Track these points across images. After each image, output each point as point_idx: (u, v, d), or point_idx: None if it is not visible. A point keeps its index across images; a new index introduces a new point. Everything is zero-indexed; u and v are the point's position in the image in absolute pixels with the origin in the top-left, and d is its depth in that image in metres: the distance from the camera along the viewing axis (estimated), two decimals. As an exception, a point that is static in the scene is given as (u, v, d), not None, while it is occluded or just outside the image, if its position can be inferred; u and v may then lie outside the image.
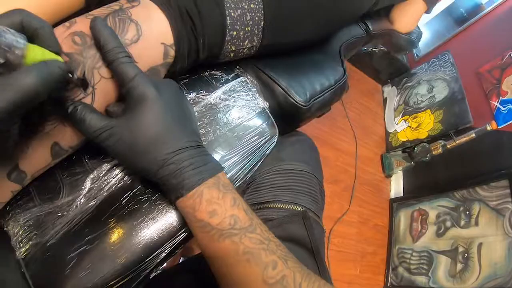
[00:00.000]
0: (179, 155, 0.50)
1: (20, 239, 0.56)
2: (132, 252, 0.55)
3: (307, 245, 0.71)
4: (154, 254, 0.57)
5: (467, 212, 2.11)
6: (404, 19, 1.27)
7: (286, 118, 0.80)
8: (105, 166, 0.59)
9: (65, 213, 0.56)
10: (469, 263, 1.97)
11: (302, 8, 0.72)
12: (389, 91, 3.17)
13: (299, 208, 0.75)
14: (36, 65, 0.40)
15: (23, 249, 0.55)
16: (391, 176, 2.74)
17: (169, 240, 0.58)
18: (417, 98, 2.87)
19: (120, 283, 0.54)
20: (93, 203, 0.58)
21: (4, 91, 0.37)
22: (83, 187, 0.58)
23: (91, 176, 0.59)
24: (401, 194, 2.65)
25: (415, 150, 2.58)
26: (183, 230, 0.58)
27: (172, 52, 0.58)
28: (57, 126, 0.51)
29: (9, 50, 0.38)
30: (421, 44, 1.44)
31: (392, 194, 2.70)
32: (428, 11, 1.26)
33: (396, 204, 2.59)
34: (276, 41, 0.73)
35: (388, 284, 2.33)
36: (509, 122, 2.18)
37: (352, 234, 2.37)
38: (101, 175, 0.59)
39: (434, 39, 3.09)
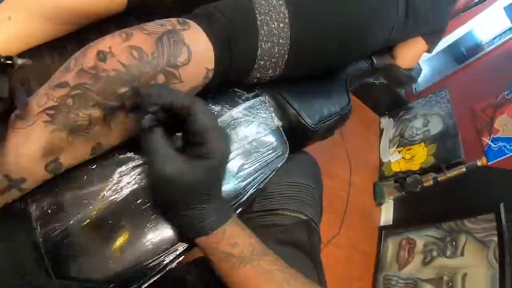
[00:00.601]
0: (207, 203, 0.57)
1: (42, 221, 0.58)
2: (153, 244, 0.60)
3: (306, 249, 0.78)
4: (167, 252, 0.61)
5: (454, 243, 2.16)
6: (405, 56, 1.33)
7: (296, 137, 0.86)
8: (133, 162, 0.64)
9: (92, 201, 0.60)
10: (453, 292, 2.01)
11: (323, 48, 0.80)
12: (386, 122, 3.26)
13: (304, 217, 0.83)
14: None
15: (43, 231, 0.57)
16: (382, 204, 2.79)
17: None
18: (412, 131, 2.96)
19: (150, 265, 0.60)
20: (118, 195, 0.61)
21: None
22: (110, 179, 0.62)
23: (119, 169, 0.63)
24: (391, 223, 2.70)
25: (407, 181, 2.65)
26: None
27: (210, 75, 0.64)
28: (104, 127, 0.57)
29: None
30: (420, 79, 1.52)
31: (382, 222, 2.74)
32: (428, 51, 1.34)
33: (385, 231, 2.63)
34: (294, 72, 0.81)
35: (373, 309, 2.35)
36: (498, 159, 2.27)
37: (340, 258, 2.40)
38: (129, 169, 0.63)
39: (433, 75, 3.21)
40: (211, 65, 0.63)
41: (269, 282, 0.56)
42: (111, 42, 0.55)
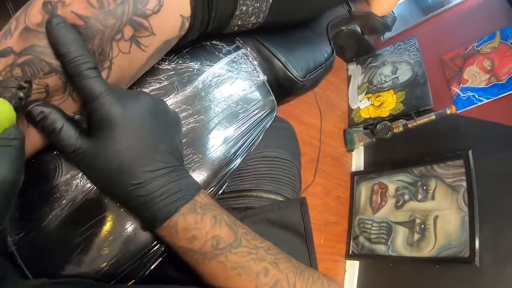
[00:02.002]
0: (147, 185, 0.46)
1: (11, 228, 0.50)
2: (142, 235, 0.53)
3: (301, 232, 0.73)
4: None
5: (424, 187, 2.28)
6: (381, 3, 1.32)
7: (282, 92, 0.80)
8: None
9: (64, 194, 0.51)
10: (426, 233, 2.14)
11: None
12: (354, 69, 3.26)
13: (281, 198, 0.75)
14: None
15: (15, 239, 0.49)
16: (353, 150, 2.86)
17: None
18: (381, 78, 2.99)
19: (136, 264, 0.53)
20: None
21: None
22: None
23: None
24: (362, 168, 2.79)
25: (377, 127, 2.71)
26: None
27: (186, 25, 0.54)
28: (66, 98, 0.47)
29: None
30: None
31: (354, 168, 2.83)
32: None
33: (357, 177, 2.72)
34: (278, 19, 0.73)
35: (350, 252, 2.48)
36: (467, 108, 2.36)
37: (317, 205, 2.47)
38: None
39: (400, 23, 3.21)
40: (187, 13, 0.53)
41: (242, 276, 0.50)
42: None
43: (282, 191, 0.76)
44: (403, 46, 2.99)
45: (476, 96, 2.35)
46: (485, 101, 2.31)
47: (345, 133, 2.91)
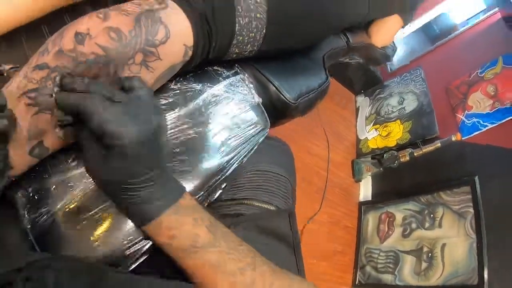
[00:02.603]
0: (137, 191, 0.54)
1: (29, 207, 0.58)
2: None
3: (289, 242, 0.77)
4: None
5: (432, 215, 2.25)
6: (381, 34, 1.37)
7: (276, 113, 0.88)
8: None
9: (77, 183, 0.60)
10: (433, 262, 2.10)
11: (299, 21, 0.82)
12: (362, 100, 3.32)
13: (273, 208, 0.80)
14: None
15: (31, 217, 0.57)
16: (361, 180, 2.86)
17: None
18: (388, 109, 3.03)
19: (132, 249, 0.59)
20: None
21: None
22: None
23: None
24: (370, 198, 2.78)
25: (384, 157, 2.73)
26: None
27: (190, 53, 0.65)
28: None
29: None
30: (395, 58, 1.56)
31: (361, 198, 2.82)
32: (403, 25, 1.37)
33: (364, 207, 2.71)
34: (272, 47, 0.82)
35: (356, 282, 2.43)
36: (472, 134, 2.37)
37: (324, 234, 2.47)
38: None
39: (407, 54, 3.28)
40: (190, 42, 0.64)
41: (217, 273, 0.55)
42: (88, 23, 0.54)
43: (275, 201, 0.81)
44: (409, 77, 3.06)
45: (481, 122, 2.36)
46: (490, 126, 2.31)
47: (353, 163, 2.93)
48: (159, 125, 0.57)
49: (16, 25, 0.68)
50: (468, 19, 3.36)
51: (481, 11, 3.30)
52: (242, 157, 0.74)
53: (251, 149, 0.76)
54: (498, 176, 2.09)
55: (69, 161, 0.61)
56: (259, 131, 0.78)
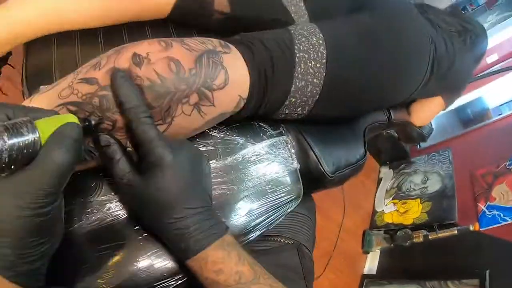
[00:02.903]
0: (185, 220, 0.52)
1: None
2: (153, 271, 0.58)
3: (299, 272, 0.77)
4: (171, 279, 0.59)
5: (434, 303, 2.14)
6: (421, 114, 1.35)
7: (311, 182, 0.86)
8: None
9: (95, 211, 0.58)
10: None
11: (354, 93, 0.81)
12: (386, 172, 3.29)
13: (295, 243, 0.82)
14: (53, 139, 0.42)
15: None
16: (369, 253, 2.78)
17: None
18: (410, 186, 2.98)
19: None
20: (124, 211, 0.59)
21: (41, 177, 0.40)
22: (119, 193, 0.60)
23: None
24: (374, 272, 2.68)
25: (397, 234, 2.65)
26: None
27: (242, 104, 0.64)
28: (123, 139, 0.55)
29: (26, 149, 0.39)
30: None
31: (366, 270, 2.72)
32: (445, 108, 1.35)
33: (367, 280, 2.61)
34: (321, 113, 0.81)
35: None
36: (491, 227, 2.29)
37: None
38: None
39: (438, 134, 3.25)
40: (245, 94, 0.63)
41: None
42: (149, 48, 0.53)
43: (298, 238, 0.83)
44: (437, 157, 3.03)
45: (502, 215, 2.29)
46: (510, 221, 2.23)
47: (364, 234, 2.86)
48: (201, 153, 0.60)
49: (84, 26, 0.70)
50: (501, 105, 3.33)
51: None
52: (269, 223, 0.72)
53: (280, 217, 0.74)
54: (510, 275, 1.99)
55: (93, 185, 0.60)
56: (292, 200, 0.76)
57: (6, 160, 0.37)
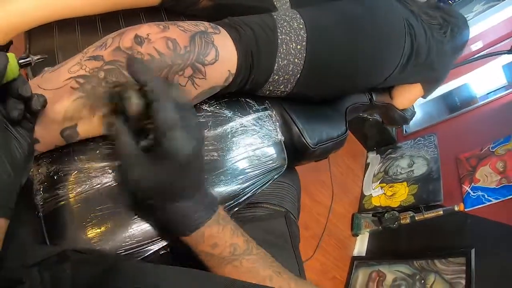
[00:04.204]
0: (184, 203, 0.56)
1: (45, 185, 0.60)
2: (144, 231, 0.63)
3: (287, 239, 0.84)
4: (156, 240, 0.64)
5: (422, 281, 2.23)
6: (403, 98, 1.42)
7: (294, 154, 0.92)
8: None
9: (95, 176, 0.62)
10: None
11: (331, 72, 0.88)
12: (373, 157, 3.37)
13: (283, 210, 0.89)
14: None
15: (44, 195, 0.60)
16: (358, 235, 2.84)
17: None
18: (397, 170, 3.06)
19: (130, 251, 0.61)
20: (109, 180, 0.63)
21: None
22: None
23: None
24: (364, 254, 2.75)
25: (385, 216, 2.72)
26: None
27: (230, 79, 0.71)
28: None
29: None
30: (411, 121, 1.60)
31: (355, 252, 2.79)
32: (424, 97, 1.43)
33: (357, 262, 2.68)
34: (302, 91, 0.88)
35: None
36: (476, 207, 2.37)
37: (311, 281, 2.40)
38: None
39: (424, 119, 3.32)
40: (233, 70, 0.70)
41: (251, 279, 0.57)
42: (149, 30, 0.61)
43: (284, 204, 0.90)
44: (422, 142, 3.11)
45: (486, 196, 2.36)
46: (494, 201, 2.31)
47: (353, 217, 2.93)
48: (203, 139, 0.63)
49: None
50: (488, 93, 3.42)
51: (502, 87, 3.38)
52: (256, 188, 0.78)
53: (266, 183, 0.80)
54: (495, 252, 2.08)
55: (93, 153, 0.64)
56: (277, 167, 0.82)
57: None
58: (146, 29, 0.60)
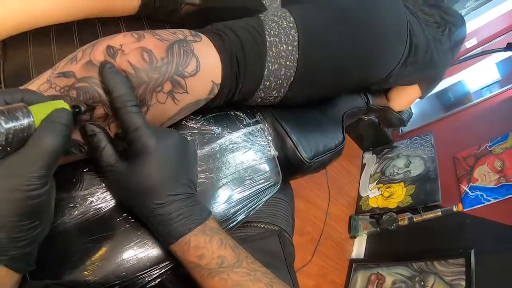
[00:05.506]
0: (167, 206, 0.55)
1: None
2: (137, 260, 0.59)
3: (281, 258, 0.80)
4: (156, 267, 0.61)
5: (422, 283, 2.20)
6: (400, 100, 1.40)
7: (289, 169, 0.88)
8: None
9: (78, 206, 0.59)
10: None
11: (326, 72, 0.82)
12: (369, 158, 3.32)
13: (276, 228, 0.85)
14: (44, 124, 0.43)
15: None
16: (356, 237, 2.81)
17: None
18: (393, 170, 3.02)
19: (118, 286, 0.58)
20: (106, 204, 0.61)
21: (32, 160, 0.41)
22: (101, 186, 0.61)
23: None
24: (362, 256, 2.72)
25: (382, 218, 2.69)
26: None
27: (216, 90, 0.65)
28: (104, 126, 0.56)
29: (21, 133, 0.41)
30: None
31: (354, 255, 2.76)
32: (421, 97, 1.40)
33: (355, 264, 2.65)
34: (298, 96, 0.82)
35: None
36: (474, 207, 2.34)
37: (309, 286, 2.40)
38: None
39: (419, 118, 3.29)
40: (218, 80, 0.64)
41: None
42: (122, 40, 0.55)
43: (277, 223, 0.86)
44: (419, 141, 3.08)
45: (484, 196, 2.33)
46: (493, 201, 2.28)
47: (350, 219, 2.89)
48: (188, 142, 0.61)
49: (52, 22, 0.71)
50: (482, 88, 3.40)
51: (496, 82, 3.36)
52: (249, 209, 0.73)
53: (259, 203, 0.76)
54: (494, 252, 2.05)
55: (74, 180, 0.61)
56: (270, 186, 0.77)
57: (3, 143, 0.39)
58: (119, 39, 0.55)
